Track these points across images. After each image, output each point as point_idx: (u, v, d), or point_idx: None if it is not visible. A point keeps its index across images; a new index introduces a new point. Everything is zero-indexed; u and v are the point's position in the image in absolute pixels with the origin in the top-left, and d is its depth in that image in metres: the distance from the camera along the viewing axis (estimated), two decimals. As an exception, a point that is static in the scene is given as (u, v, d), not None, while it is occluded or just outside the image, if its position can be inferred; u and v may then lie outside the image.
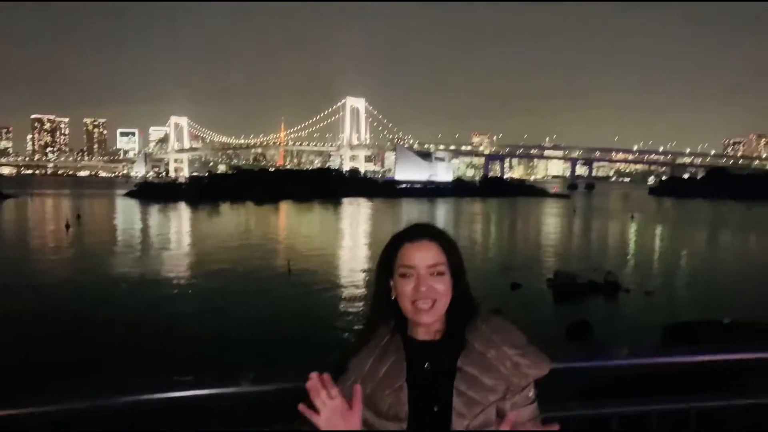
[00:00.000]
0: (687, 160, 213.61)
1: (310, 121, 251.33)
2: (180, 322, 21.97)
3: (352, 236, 57.98)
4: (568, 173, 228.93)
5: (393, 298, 1.71)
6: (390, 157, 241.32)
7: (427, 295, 1.64)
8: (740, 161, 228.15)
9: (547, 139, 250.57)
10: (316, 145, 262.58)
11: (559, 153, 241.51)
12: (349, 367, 1.70)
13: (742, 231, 64.54)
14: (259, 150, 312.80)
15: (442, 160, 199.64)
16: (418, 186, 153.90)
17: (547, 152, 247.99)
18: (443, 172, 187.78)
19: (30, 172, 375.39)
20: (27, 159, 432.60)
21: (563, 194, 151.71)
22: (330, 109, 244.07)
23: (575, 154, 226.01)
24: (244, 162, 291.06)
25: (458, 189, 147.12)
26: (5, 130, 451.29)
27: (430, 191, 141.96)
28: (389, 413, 1.63)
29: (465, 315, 1.70)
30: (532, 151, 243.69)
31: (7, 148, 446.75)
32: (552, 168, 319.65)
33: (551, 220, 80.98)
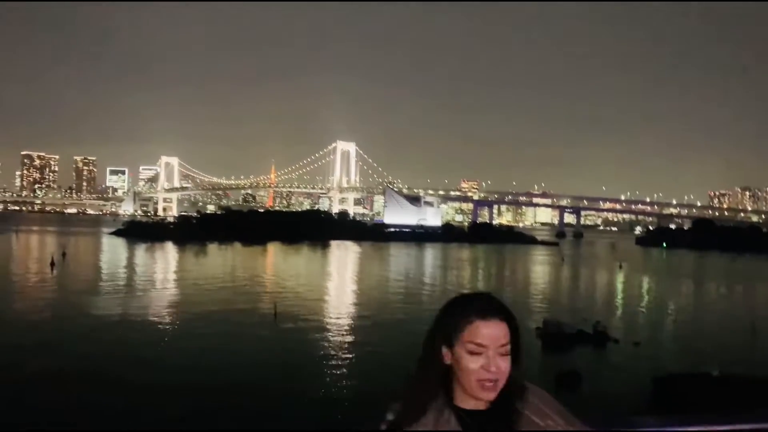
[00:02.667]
0: (674, 210, 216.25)
1: (301, 163, 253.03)
2: (161, 372, 21.40)
3: (340, 280, 57.63)
4: (556, 221, 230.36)
5: (447, 363, 1.71)
6: (379, 200, 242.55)
7: (495, 375, 1.65)
8: (725, 213, 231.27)
9: (536, 186, 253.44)
10: (306, 187, 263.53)
11: (548, 201, 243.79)
12: (407, 420, 1.70)
13: (727, 282, 64.94)
14: (249, 191, 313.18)
15: (431, 204, 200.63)
16: (407, 230, 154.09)
17: (535, 200, 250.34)
18: (432, 217, 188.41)
19: (17, 208, 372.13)
20: (15, 195, 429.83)
21: (552, 242, 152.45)
22: (321, 152, 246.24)
23: (563, 202, 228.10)
24: (233, 202, 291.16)
25: (447, 234, 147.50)
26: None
27: (418, 236, 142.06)
28: None
29: (515, 387, 1.72)
30: (521, 198, 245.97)
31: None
32: (540, 215, 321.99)
33: (540, 267, 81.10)
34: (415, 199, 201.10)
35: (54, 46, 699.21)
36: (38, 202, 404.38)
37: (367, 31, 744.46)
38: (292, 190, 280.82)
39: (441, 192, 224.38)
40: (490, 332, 1.67)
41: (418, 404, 1.73)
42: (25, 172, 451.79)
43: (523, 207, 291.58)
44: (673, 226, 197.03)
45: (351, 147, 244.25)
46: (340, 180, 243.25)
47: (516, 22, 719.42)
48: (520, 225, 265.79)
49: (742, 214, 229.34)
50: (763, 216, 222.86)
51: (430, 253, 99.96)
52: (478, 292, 1.79)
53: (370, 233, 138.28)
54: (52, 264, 57.02)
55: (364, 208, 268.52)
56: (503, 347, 1.67)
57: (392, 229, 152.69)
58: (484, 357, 1.66)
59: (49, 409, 16.62)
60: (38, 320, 29.89)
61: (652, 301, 49.17)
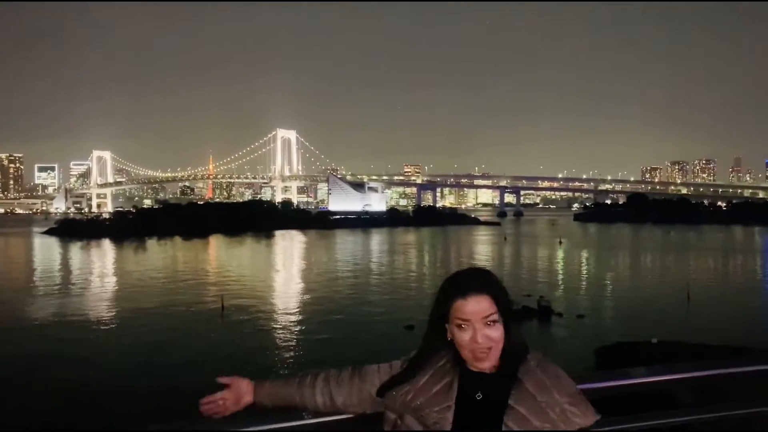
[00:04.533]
0: (609, 186, 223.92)
1: (241, 152, 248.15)
2: (98, 371, 20.62)
3: (286, 270, 56.95)
4: (497, 201, 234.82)
5: (449, 339, 1.84)
6: (323, 188, 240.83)
7: (483, 344, 1.77)
8: (657, 187, 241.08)
9: (477, 168, 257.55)
10: (246, 177, 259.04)
11: (489, 182, 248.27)
12: (407, 375, 1.87)
13: (661, 254, 67.79)
14: (187, 183, 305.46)
15: (375, 190, 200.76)
16: (352, 217, 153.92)
17: (476, 181, 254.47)
18: (377, 203, 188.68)
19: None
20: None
21: (493, 222, 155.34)
22: (260, 141, 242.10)
23: (503, 182, 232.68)
24: (171, 196, 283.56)
25: (392, 219, 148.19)
26: None
27: (364, 222, 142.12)
28: (433, 428, 1.78)
29: (518, 354, 1.82)
30: (463, 180, 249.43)
31: None
32: (482, 197, 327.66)
33: (483, 247, 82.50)
34: (359, 186, 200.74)
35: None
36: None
37: (306, 26, 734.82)
38: (232, 180, 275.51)
39: (385, 177, 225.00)
40: (471, 308, 1.78)
41: (425, 355, 1.89)
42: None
43: (465, 189, 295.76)
44: (608, 202, 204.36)
45: (292, 135, 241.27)
46: (282, 169, 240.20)
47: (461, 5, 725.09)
48: (463, 207, 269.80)
49: (672, 187, 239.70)
50: (692, 188, 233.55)
51: (377, 239, 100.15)
52: (464, 270, 1.89)
53: (315, 221, 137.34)
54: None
55: (308, 196, 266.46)
56: (488, 317, 1.78)
57: (337, 217, 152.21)
58: (470, 330, 1.78)
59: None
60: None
61: (593, 274, 50.81)
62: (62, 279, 47.95)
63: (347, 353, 21.08)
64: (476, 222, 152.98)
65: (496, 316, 1.78)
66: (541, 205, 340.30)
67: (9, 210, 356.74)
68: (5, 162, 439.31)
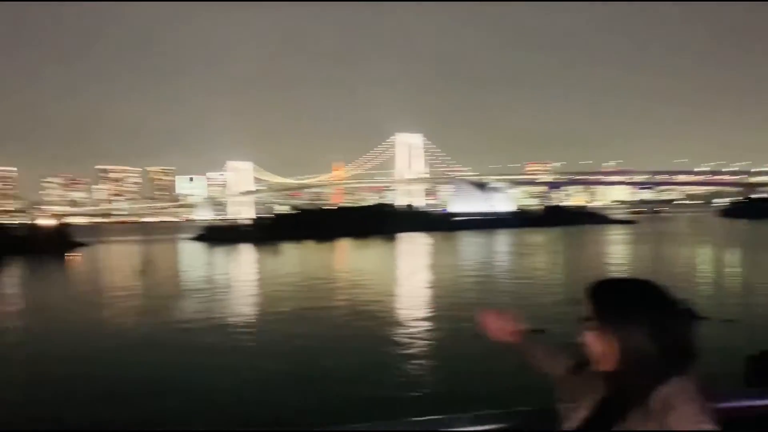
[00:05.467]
0: (760, 179, 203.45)
1: (365, 157, 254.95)
2: (245, 370, 22.14)
3: (412, 273, 57.72)
4: (632, 198, 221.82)
5: None
6: (445, 189, 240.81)
7: (589, 350, 1.81)
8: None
9: (612, 163, 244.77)
10: (370, 182, 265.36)
11: (622, 177, 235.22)
12: (576, 373, 1.95)
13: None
14: (316, 189, 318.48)
15: (499, 190, 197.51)
16: (476, 218, 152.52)
17: (609, 177, 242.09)
18: (502, 203, 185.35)
19: (100, 220, 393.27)
20: (97, 208, 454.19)
21: (628, 220, 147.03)
22: (383, 144, 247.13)
23: (638, 177, 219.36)
24: (302, 202, 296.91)
25: (518, 219, 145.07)
26: (77, 182, 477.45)
27: (488, 223, 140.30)
28: (566, 418, 1.86)
29: (635, 376, 1.71)
30: (593, 177, 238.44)
31: (79, 198, 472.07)
32: (614, 193, 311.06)
33: (615, 247, 78.47)
34: (482, 186, 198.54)
35: (104, 58, 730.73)
36: (118, 213, 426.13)
37: (421, 27, 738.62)
38: (357, 184, 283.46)
39: (509, 176, 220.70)
40: (583, 311, 1.86)
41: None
42: (104, 185, 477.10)
43: (596, 186, 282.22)
44: (765, 196, 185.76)
45: (415, 138, 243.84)
46: (405, 172, 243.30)
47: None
48: (594, 204, 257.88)
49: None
50: None
51: (502, 240, 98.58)
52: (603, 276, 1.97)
53: (438, 223, 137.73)
54: (138, 271, 60.14)
55: (432, 198, 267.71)
56: (587, 323, 1.83)
57: (461, 218, 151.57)
58: (584, 334, 1.87)
59: (147, 411, 17.47)
60: (130, 326, 31.43)
61: (745, 276, 46.60)
62: (210, 282, 51.99)
63: (476, 356, 21.07)
64: (609, 221, 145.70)
65: (593, 323, 1.78)
66: (681, 201, 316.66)
67: (160, 219, 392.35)
68: (155, 175, 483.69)
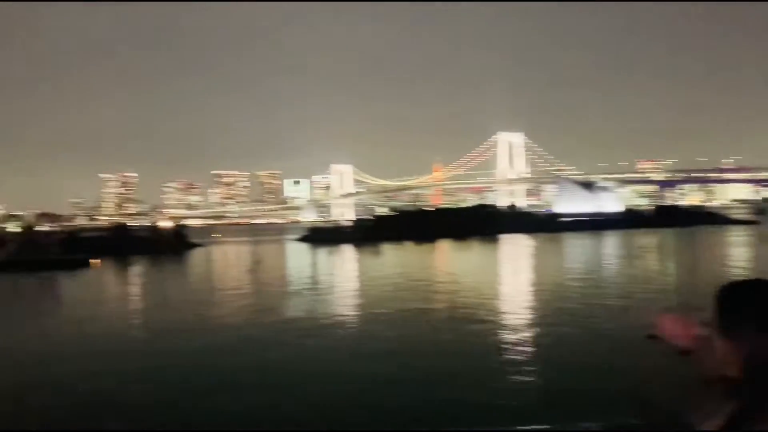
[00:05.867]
0: None
1: (465, 157, 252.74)
2: (348, 372, 22.47)
3: (515, 275, 56.48)
4: (755, 197, 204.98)
5: None
6: (549, 189, 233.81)
7: (713, 356, 1.76)
8: None
9: (731, 159, 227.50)
10: (471, 183, 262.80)
11: (743, 175, 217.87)
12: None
13: None
14: (416, 191, 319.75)
15: (606, 189, 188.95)
16: (583, 219, 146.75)
17: (728, 175, 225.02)
18: (610, 203, 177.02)
19: (213, 222, 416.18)
20: (211, 211, 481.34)
21: (750, 220, 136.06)
22: (484, 144, 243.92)
23: (763, 175, 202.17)
24: (401, 203, 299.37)
25: (628, 220, 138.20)
26: (193, 186, 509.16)
27: (596, 224, 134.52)
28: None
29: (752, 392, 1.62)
30: (711, 175, 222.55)
31: (195, 202, 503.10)
32: (734, 192, 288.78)
33: (736, 250, 72.74)
34: (589, 186, 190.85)
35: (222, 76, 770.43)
36: (230, 215, 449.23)
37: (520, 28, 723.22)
38: (457, 185, 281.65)
39: (618, 175, 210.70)
40: (706, 316, 1.86)
41: None
42: (217, 189, 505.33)
43: (714, 184, 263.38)
44: None
45: (516, 137, 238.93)
46: (507, 172, 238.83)
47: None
48: (712, 204, 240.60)
49: None
50: None
51: (611, 242, 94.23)
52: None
53: (542, 224, 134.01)
54: (249, 270, 63.39)
55: (535, 199, 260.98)
56: (712, 328, 1.81)
57: (566, 219, 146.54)
58: None
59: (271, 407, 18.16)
60: (239, 323, 32.90)
61: None
62: (314, 281, 53.56)
63: (583, 366, 20.20)
64: (728, 221, 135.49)
65: (718, 328, 1.76)
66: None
67: (268, 221, 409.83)
68: (265, 178, 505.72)
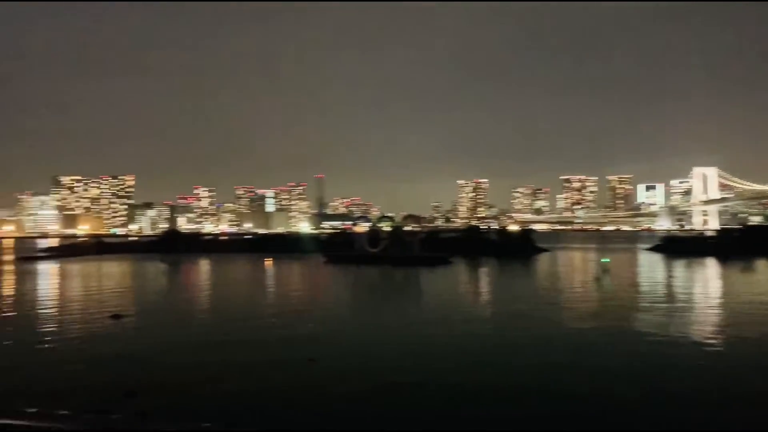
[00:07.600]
0: None
1: None
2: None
3: None
4: None
5: None
6: None
7: None
8: None
9: None
10: None
11: None
12: None
13: None
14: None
15: None
16: None
17: None
18: None
19: (560, 227, 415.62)
20: (557, 216, 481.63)
21: None
22: None
23: None
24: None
25: None
26: (541, 191, 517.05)
27: None
28: None
29: None
30: None
31: (542, 207, 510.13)
32: None
33: None
34: None
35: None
36: (578, 221, 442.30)
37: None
38: None
39: None
40: None
41: None
42: (565, 194, 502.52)
43: None
44: None
45: None
46: None
47: None
48: None
49: None
50: None
51: None
52: None
53: None
54: (596, 279, 62.02)
55: None
56: None
57: None
58: None
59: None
60: (579, 328, 32.56)
61: None
62: (665, 295, 49.40)
63: None
64: None
65: None
66: None
67: (617, 228, 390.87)
68: (615, 183, 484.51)
